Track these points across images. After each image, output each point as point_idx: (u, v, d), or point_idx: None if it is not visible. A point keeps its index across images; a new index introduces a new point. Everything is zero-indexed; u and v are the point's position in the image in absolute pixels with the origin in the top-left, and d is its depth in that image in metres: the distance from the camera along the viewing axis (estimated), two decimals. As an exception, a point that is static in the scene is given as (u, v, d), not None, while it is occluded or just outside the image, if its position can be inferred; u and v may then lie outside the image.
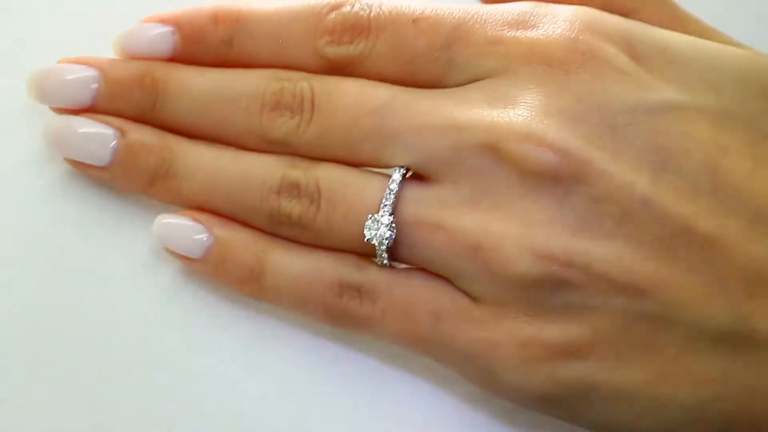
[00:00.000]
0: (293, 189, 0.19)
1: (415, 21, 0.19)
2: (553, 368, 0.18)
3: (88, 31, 0.22)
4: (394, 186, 0.19)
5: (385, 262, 0.19)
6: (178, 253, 0.20)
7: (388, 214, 0.19)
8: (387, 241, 0.19)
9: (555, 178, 0.18)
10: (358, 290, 0.19)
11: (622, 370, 0.17)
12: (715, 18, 0.21)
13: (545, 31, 0.19)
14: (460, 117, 0.19)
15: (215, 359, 0.21)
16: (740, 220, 0.17)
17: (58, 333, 0.21)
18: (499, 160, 0.18)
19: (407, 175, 0.19)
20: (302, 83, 0.20)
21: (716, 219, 0.17)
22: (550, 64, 0.18)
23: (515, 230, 0.18)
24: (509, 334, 0.18)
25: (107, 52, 0.21)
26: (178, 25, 0.20)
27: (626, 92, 0.18)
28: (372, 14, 0.19)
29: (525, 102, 0.18)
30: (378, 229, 0.19)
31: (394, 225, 0.19)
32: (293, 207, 0.19)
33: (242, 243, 0.20)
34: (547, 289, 0.18)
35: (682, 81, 0.19)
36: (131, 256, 0.22)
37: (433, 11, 0.19)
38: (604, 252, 0.17)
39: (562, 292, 0.18)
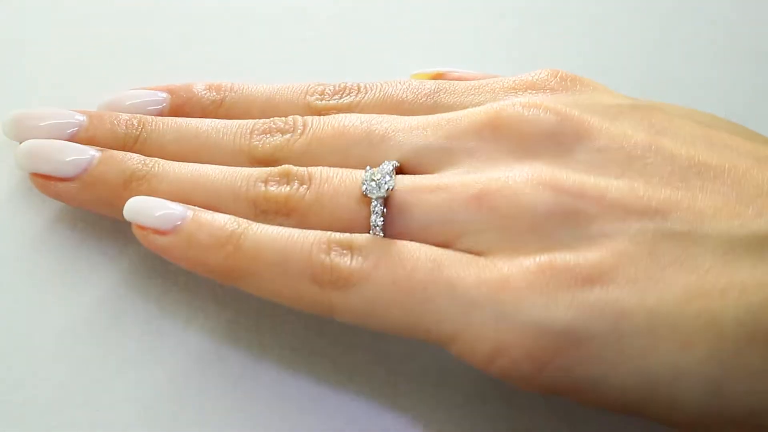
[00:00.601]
0: (282, 176, 0.19)
1: (402, 83, 0.21)
2: (576, 294, 0.16)
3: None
4: (388, 166, 0.19)
5: (380, 223, 0.18)
6: (146, 227, 0.19)
7: (388, 166, 0.18)
8: (387, 187, 0.18)
9: (555, 138, 0.18)
10: (349, 246, 0.18)
11: (656, 290, 0.16)
12: (715, 19, 0.20)
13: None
14: (454, 114, 0.19)
15: (215, 360, 0.21)
16: (747, 159, 0.18)
17: (58, 333, 0.21)
18: (496, 132, 0.18)
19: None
20: (295, 115, 0.20)
21: (723, 155, 0.18)
22: (534, 86, 0.20)
23: (521, 172, 0.17)
24: (521, 265, 0.17)
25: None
26: (170, 89, 0.21)
27: (610, 96, 0.20)
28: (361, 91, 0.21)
29: (520, 91, 0.19)
30: (376, 178, 0.18)
31: (393, 173, 0.18)
32: (281, 190, 0.19)
33: (220, 217, 0.19)
34: (560, 221, 0.17)
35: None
36: (133, 256, 0.22)
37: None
38: (617, 184, 0.17)
39: (577, 223, 0.17)
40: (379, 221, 0.18)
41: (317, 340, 0.21)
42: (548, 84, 0.20)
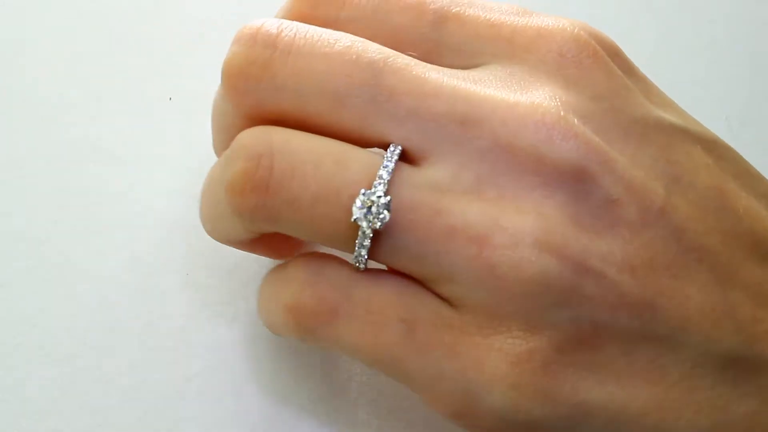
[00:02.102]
0: (247, 168, 0.16)
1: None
2: (547, 387, 0.16)
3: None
4: (389, 163, 0.15)
5: (363, 256, 0.16)
6: None
7: (382, 189, 0.15)
8: (380, 223, 0.15)
9: (574, 174, 0.16)
10: (320, 281, 0.16)
11: (621, 396, 0.16)
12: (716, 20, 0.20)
13: (547, 22, 0.17)
14: (473, 90, 0.16)
15: (215, 360, 0.21)
16: (745, 244, 0.17)
17: (58, 333, 0.21)
18: (513, 148, 0.16)
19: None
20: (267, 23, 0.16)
21: (725, 239, 0.17)
22: (561, 54, 0.17)
23: (531, 225, 0.15)
24: (500, 349, 0.15)
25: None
26: None
27: (635, 103, 0.17)
28: None
29: (543, 92, 0.16)
30: (369, 208, 0.15)
31: (389, 204, 0.15)
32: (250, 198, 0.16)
33: None
34: (554, 298, 0.16)
35: (666, 104, 0.19)
36: (132, 256, 0.22)
37: None
38: (620, 261, 0.16)
39: (569, 303, 0.16)
40: (363, 254, 0.16)
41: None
42: (577, 57, 0.17)
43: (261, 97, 0.16)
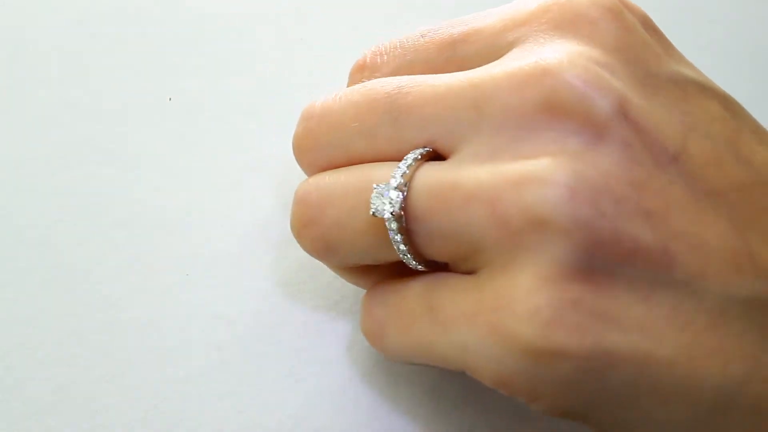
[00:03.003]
0: (300, 204, 0.19)
1: (423, 35, 0.19)
2: (568, 341, 0.15)
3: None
4: (407, 159, 0.17)
5: (404, 250, 0.17)
6: None
7: (399, 176, 0.16)
8: (392, 206, 0.16)
9: (585, 118, 0.16)
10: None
11: (647, 343, 0.15)
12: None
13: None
14: (481, 74, 0.17)
15: (214, 359, 0.20)
16: (763, 194, 0.16)
17: (57, 333, 0.20)
18: (524, 112, 0.16)
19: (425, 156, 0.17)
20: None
21: (742, 188, 0.16)
22: (577, 14, 0.17)
23: (540, 172, 0.15)
24: (512, 303, 0.15)
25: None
26: None
27: (651, 57, 0.17)
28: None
29: (552, 49, 0.16)
30: (383, 196, 0.16)
31: (405, 188, 0.16)
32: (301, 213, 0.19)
33: None
34: (565, 243, 0.15)
35: (684, 62, 0.18)
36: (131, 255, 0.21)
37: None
38: (634, 205, 0.15)
39: (582, 249, 0.15)
40: (403, 248, 0.17)
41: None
42: (594, 22, 0.17)
43: (314, 158, 0.18)
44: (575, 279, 0.15)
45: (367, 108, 0.18)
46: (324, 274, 0.21)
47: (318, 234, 0.18)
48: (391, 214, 0.16)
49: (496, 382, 0.16)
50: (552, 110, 0.16)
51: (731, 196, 0.16)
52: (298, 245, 0.19)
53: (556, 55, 0.16)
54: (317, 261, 0.20)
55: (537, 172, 0.15)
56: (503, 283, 0.15)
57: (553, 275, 0.15)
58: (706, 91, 0.18)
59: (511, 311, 0.15)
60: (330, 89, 0.19)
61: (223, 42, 0.24)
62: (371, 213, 0.16)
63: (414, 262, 0.17)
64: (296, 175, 0.20)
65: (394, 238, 0.17)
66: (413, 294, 0.17)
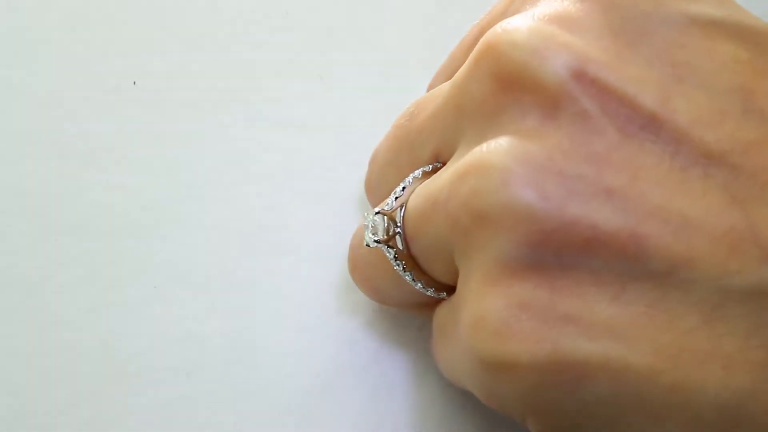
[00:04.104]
0: None
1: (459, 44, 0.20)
2: (519, 354, 0.14)
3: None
4: (406, 181, 0.17)
5: (403, 271, 0.17)
6: None
7: (391, 200, 0.17)
8: (380, 231, 0.17)
9: (540, 89, 0.14)
10: None
11: (622, 348, 0.13)
12: None
13: None
14: (460, 71, 0.16)
15: (182, 386, 0.19)
16: None
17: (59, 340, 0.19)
18: (480, 104, 0.15)
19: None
20: None
21: (748, 148, 0.14)
22: None
23: (477, 160, 0.14)
24: (464, 314, 0.15)
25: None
26: None
27: None
28: None
29: (515, 15, 0.16)
30: (368, 227, 0.17)
31: (397, 212, 0.17)
32: None
33: None
34: (511, 236, 0.14)
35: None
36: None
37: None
38: (591, 183, 0.14)
39: (531, 242, 0.14)
40: (400, 269, 0.17)
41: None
42: None
43: (373, 200, 0.20)
44: (522, 278, 0.14)
45: (392, 140, 0.19)
46: (311, 286, 0.21)
47: (362, 277, 0.19)
48: (376, 241, 0.16)
49: (482, 399, 0.15)
50: (506, 87, 0.15)
51: (732, 159, 0.14)
52: (281, 253, 0.20)
53: (503, 23, 0.15)
54: (303, 270, 0.20)
55: (476, 160, 0.14)
56: (461, 292, 0.15)
57: (496, 276, 0.14)
58: (721, 29, 0.15)
59: (464, 323, 0.14)
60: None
61: (195, 18, 0.24)
62: (365, 245, 0.17)
63: (425, 288, 0.17)
64: (281, 171, 0.21)
65: (394, 264, 0.17)
66: (439, 315, 0.18)
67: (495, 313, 0.14)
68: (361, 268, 0.19)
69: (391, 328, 0.20)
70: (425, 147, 0.17)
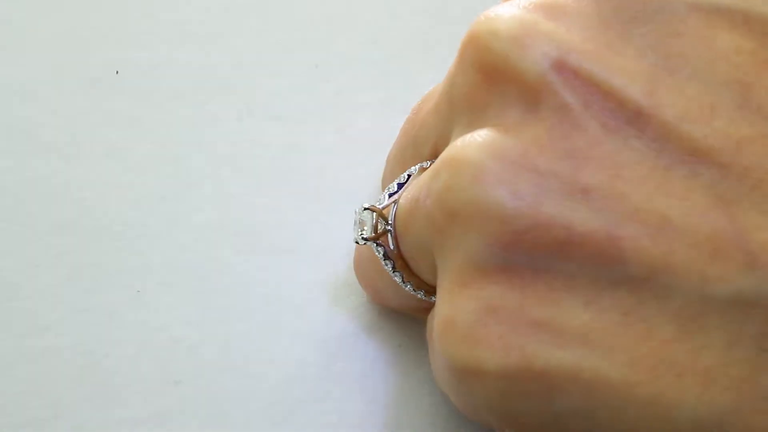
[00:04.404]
0: None
1: None
2: (497, 339, 0.14)
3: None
4: (402, 177, 0.17)
5: (391, 271, 0.17)
6: None
7: (385, 197, 0.17)
8: (368, 228, 0.17)
9: (532, 85, 0.14)
10: None
11: (596, 358, 0.13)
12: None
13: None
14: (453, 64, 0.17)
15: (171, 395, 0.19)
16: None
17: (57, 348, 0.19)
18: (466, 99, 0.15)
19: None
20: None
21: (741, 146, 0.13)
22: None
23: (451, 156, 0.14)
24: (434, 318, 0.15)
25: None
26: None
27: None
28: None
29: (501, 5, 0.15)
30: (355, 223, 0.17)
31: (388, 209, 0.17)
32: None
33: None
34: (480, 236, 0.14)
35: None
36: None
37: None
38: (568, 180, 0.13)
39: (501, 243, 0.14)
40: (389, 269, 0.17)
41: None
42: None
43: None
44: (492, 280, 0.14)
45: (400, 135, 0.19)
46: (307, 289, 0.20)
47: (363, 277, 0.19)
48: (364, 239, 0.17)
49: (457, 407, 0.15)
50: (489, 79, 0.14)
51: (721, 157, 0.13)
52: (275, 253, 0.20)
53: (487, 12, 0.15)
54: (298, 272, 0.20)
55: (450, 155, 0.14)
56: (438, 294, 0.15)
57: (467, 277, 0.14)
58: (728, 18, 0.14)
59: (436, 326, 0.14)
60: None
61: (179, 3, 0.24)
62: (354, 242, 0.17)
63: (415, 291, 0.17)
64: (276, 167, 0.21)
65: (383, 264, 0.17)
66: (429, 320, 0.18)
67: (464, 317, 0.14)
68: (363, 268, 0.19)
69: (392, 332, 0.20)
70: (427, 142, 0.17)
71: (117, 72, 0.22)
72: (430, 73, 0.21)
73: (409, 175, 0.17)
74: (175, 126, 0.22)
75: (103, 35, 0.22)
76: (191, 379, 0.19)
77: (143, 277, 0.20)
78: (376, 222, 0.16)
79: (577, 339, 0.13)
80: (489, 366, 0.13)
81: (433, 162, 0.16)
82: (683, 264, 0.13)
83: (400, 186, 0.17)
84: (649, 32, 0.14)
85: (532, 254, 0.13)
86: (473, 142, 0.14)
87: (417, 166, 0.17)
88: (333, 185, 0.21)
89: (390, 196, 0.17)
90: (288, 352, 0.19)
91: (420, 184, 0.15)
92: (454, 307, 0.14)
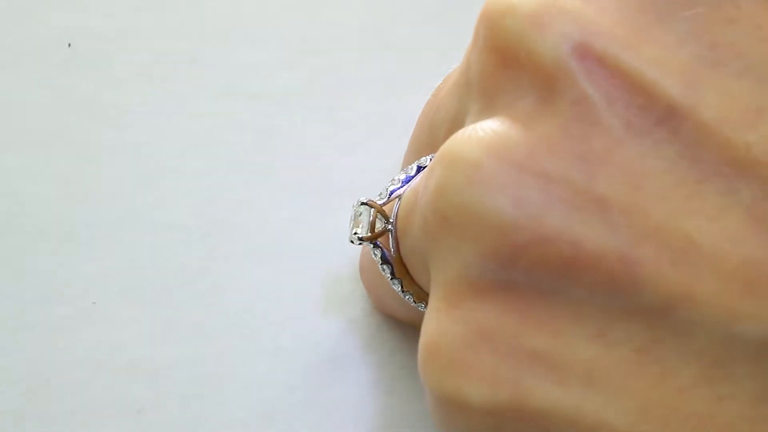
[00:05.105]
0: None
1: None
2: (488, 370, 0.13)
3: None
4: (410, 168, 0.17)
5: (387, 271, 0.17)
6: None
7: (385, 190, 0.17)
8: (365, 225, 0.16)
9: (548, 72, 0.13)
10: None
11: (600, 402, 0.13)
12: None
13: None
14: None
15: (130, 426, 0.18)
16: None
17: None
18: (491, 59, 0.14)
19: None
20: None
21: None
22: None
23: (450, 154, 0.14)
24: (429, 315, 0.14)
25: None
26: None
27: None
28: None
29: None
30: (354, 214, 0.17)
31: (388, 205, 0.16)
32: None
33: None
34: (477, 247, 0.13)
35: None
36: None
37: None
38: (582, 189, 0.13)
39: (501, 256, 0.13)
40: (386, 270, 0.17)
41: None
42: None
43: None
44: (487, 300, 0.13)
45: (419, 118, 0.18)
46: (291, 301, 0.19)
47: (367, 283, 0.19)
48: (360, 238, 0.16)
49: None
50: (504, 61, 0.14)
51: (765, 171, 0.12)
52: (254, 259, 0.19)
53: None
54: (281, 281, 0.19)
55: (447, 149, 0.14)
56: (426, 311, 0.14)
57: (458, 294, 0.13)
58: None
59: (420, 347, 0.14)
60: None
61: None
62: (349, 241, 0.17)
63: (416, 303, 0.17)
64: (255, 156, 0.20)
65: (380, 269, 0.17)
66: None
67: (451, 341, 0.13)
68: (367, 271, 0.18)
69: (394, 351, 0.19)
70: (441, 127, 0.16)
71: (69, 45, 0.21)
72: (441, 43, 0.21)
73: (419, 167, 0.16)
74: (137, 107, 0.21)
75: (54, 3, 0.21)
76: (154, 407, 0.18)
77: (97, 286, 0.19)
78: (374, 219, 0.16)
79: (581, 377, 0.12)
80: (476, 400, 0.13)
81: None
82: (709, 296, 0.12)
83: (408, 179, 0.16)
84: (694, 16, 0.13)
85: (533, 273, 0.13)
86: (473, 136, 0.13)
87: (429, 156, 0.16)
88: (324, 177, 0.20)
89: (393, 190, 0.17)
90: (269, 376, 0.19)
91: (423, 177, 0.15)
92: (441, 328, 0.13)
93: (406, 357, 0.19)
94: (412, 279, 0.16)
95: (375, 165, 0.20)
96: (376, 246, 0.16)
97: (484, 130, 0.13)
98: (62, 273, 0.19)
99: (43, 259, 0.19)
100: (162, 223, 0.20)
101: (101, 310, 0.19)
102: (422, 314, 0.17)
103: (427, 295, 0.16)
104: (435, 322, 0.13)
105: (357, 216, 0.17)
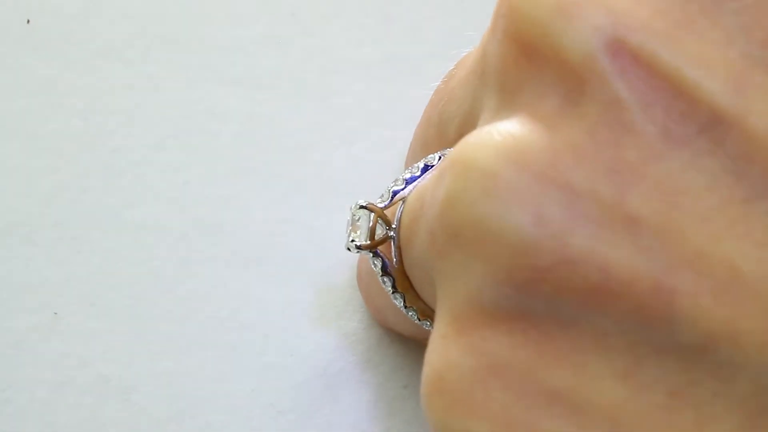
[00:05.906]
0: None
1: None
2: (498, 411, 0.13)
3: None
4: (415, 168, 0.16)
5: (388, 282, 0.16)
6: None
7: (387, 192, 0.16)
8: (364, 232, 0.16)
9: (576, 69, 0.13)
10: None
11: None
12: None
13: None
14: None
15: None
16: None
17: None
18: (513, 51, 0.14)
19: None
20: None
21: None
22: None
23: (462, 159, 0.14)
24: (433, 343, 0.14)
25: None
26: None
27: None
28: None
29: None
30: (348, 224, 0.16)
31: (389, 208, 0.16)
32: None
33: None
34: (493, 268, 0.13)
35: None
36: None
37: None
38: (612, 206, 0.12)
39: (515, 280, 0.13)
40: (387, 283, 0.16)
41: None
42: None
43: None
44: (500, 329, 0.12)
45: (426, 108, 0.18)
46: (280, 310, 0.18)
47: (365, 293, 0.19)
48: (357, 247, 0.16)
49: None
50: (526, 53, 0.13)
51: None
52: (238, 263, 0.19)
53: None
54: (268, 288, 0.19)
55: (459, 153, 0.13)
56: (431, 336, 0.14)
57: (467, 321, 0.13)
58: None
59: (423, 377, 0.13)
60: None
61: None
62: (345, 248, 0.17)
63: (420, 321, 0.16)
64: (238, 147, 0.19)
65: (380, 281, 0.16)
66: None
67: (458, 375, 0.12)
68: (365, 281, 0.18)
69: (395, 369, 0.18)
70: (452, 121, 0.16)
71: (28, 21, 0.20)
72: (452, 21, 0.20)
73: (426, 166, 0.16)
74: (103, 91, 0.20)
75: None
76: (125, 431, 0.18)
77: (60, 295, 0.18)
78: (374, 225, 0.15)
79: (605, 422, 0.12)
80: None
81: None
82: (755, 335, 0.11)
83: (413, 179, 0.15)
84: (744, 8, 0.12)
85: (554, 300, 0.12)
86: (489, 139, 0.12)
87: (438, 154, 0.16)
88: (317, 171, 0.20)
89: (395, 192, 0.16)
90: (255, 396, 0.18)
91: (428, 182, 0.15)
92: (447, 359, 0.13)
93: (408, 375, 0.18)
94: (416, 294, 0.16)
95: (375, 158, 0.20)
96: (376, 255, 0.16)
97: (502, 134, 0.13)
98: (20, 279, 0.18)
99: (1, 265, 0.19)
100: (133, 223, 0.19)
101: (65, 321, 0.18)
102: (427, 331, 0.16)
103: (433, 312, 0.16)
104: (441, 351, 0.13)
105: (355, 221, 0.16)
